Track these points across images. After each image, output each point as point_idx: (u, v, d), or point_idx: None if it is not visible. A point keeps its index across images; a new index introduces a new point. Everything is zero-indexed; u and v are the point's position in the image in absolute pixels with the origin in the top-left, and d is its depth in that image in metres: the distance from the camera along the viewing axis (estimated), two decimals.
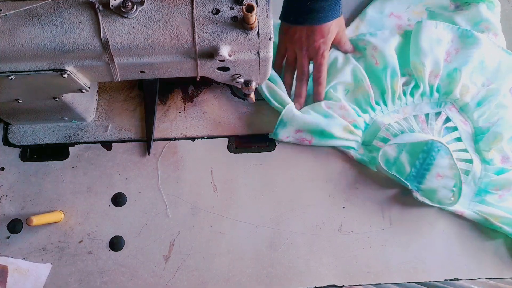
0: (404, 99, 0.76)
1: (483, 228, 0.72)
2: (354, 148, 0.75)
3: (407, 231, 0.72)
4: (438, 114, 0.76)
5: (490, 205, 0.72)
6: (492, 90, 0.75)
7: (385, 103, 0.75)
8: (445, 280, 0.70)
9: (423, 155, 0.74)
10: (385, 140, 0.74)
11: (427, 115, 0.76)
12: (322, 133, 0.73)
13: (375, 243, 0.72)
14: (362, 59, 0.78)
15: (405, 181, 0.72)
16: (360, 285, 0.70)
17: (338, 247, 0.72)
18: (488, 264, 0.70)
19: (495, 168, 0.73)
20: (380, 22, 0.81)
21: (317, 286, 0.69)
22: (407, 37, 0.79)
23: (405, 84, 0.77)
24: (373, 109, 0.75)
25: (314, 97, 0.76)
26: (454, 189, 0.71)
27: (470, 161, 0.74)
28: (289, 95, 0.77)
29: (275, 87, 0.75)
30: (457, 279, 0.70)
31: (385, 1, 0.82)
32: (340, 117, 0.73)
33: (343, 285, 0.70)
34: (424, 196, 0.72)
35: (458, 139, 0.75)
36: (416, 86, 0.76)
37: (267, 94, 0.75)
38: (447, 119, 0.76)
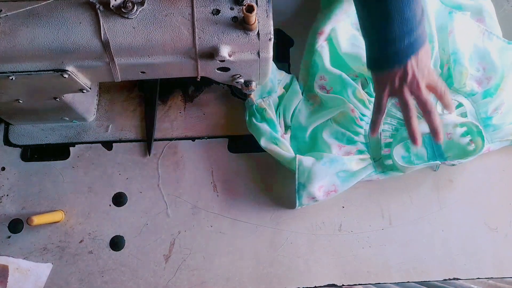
0: (373, 99, 0.76)
1: (482, 228, 0.72)
2: (374, 171, 0.74)
3: (406, 230, 0.72)
4: None
5: (500, 126, 0.74)
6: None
7: (363, 115, 0.75)
8: (445, 279, 0.70)
9: None
10: (387, 145, 0.74)
11: None
12: (344, 172, 0.71)
13: (374, 242, 0.72)
14: (318, 97, 0.77)
15: (432, 162, 0.72)
16: (360, 284, 0.70)
17: (338, 246, 0.72)
18: (487, 263, 0.71)
19: (480, 95, 0.75)
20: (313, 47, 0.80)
21: (317, 286, 0.70)
22: (332, 44, 0.78)
23: (364, 86, 0.77)
24: (361, 127, 0.75)
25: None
26: (468, 136, 0.73)
27: (460, 105, 0.76)
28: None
29: (277, 149, 0.73)
30: (457, 279, 0.70)
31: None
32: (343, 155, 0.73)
33: (343, 285, 0.70)
34: (454, 158, 0.72)
35: None
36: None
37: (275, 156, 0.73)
38: None
